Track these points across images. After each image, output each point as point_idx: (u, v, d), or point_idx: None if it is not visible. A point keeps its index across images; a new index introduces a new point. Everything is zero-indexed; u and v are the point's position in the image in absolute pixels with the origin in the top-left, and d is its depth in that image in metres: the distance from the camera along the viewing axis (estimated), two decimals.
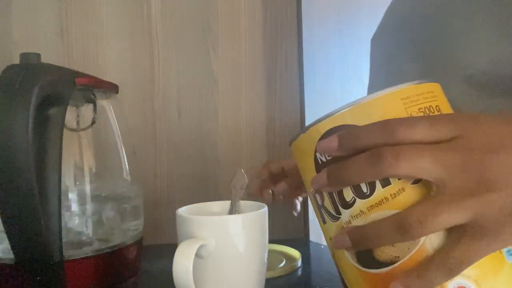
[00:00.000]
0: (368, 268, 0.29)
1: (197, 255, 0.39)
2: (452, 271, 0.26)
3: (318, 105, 0.82)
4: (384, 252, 0.28)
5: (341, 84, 0.85)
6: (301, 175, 0.34)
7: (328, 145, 0.29)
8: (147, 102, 0.79)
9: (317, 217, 0.33)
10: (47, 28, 0.77)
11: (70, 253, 0.46)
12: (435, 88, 0.32)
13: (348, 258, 0.30)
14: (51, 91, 0.43)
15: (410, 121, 0.28)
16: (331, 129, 0.30)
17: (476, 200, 0.25)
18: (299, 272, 0.60)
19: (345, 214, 0.29)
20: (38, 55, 0.44)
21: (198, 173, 0.80)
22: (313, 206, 0.33)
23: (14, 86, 0.39)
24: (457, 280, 0.26)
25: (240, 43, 0.81)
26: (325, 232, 0.33)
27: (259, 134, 0.81)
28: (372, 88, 0.60)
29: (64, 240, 0.44)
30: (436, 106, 0.30)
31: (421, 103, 0.30)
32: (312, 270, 0.62)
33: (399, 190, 0.27)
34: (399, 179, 0.27)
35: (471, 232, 0.26)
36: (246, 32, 0.81)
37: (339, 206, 0.30)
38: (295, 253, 0.65)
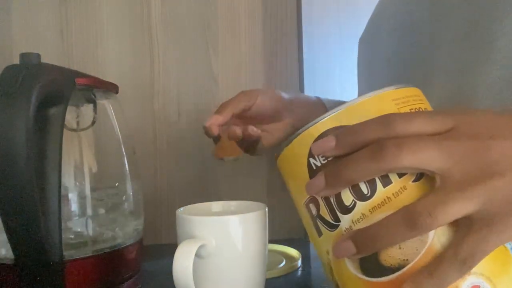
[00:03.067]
0: (375, 277, 0.27)
1: (197, 255, 0.39)
2: (465, 265, 0.25)
3: None
4: (390, 257, 0.26)
5: (341, 84, 0.85)
6: (291, 188, 0.32)
7: (325, 144, 0.28)
8: (147, 102, 0.79)
9: (310, 232, 0.31)
10: (47, 28, 0.77)
11: (70, 253, 0.46)
12: (419, 92, 0.32)
13: (350, 270, 0.28)
14: (51, 91, 0.43)
15: (408, 114, 0.27)
16: (326, 131, 0.29)
17: (483, 187, 0.25)
18: (299, 272, 0.60)
19: (345, 220, 0.28)
20: (38, 55, 0.44)
21: (198, 173, 0.80)
22: (305, 221, 0.31)
23: (14, 86, 0.39)
24: (471, 279, 0.25)
25: (240, 43, 0.81)
26: (320, 246, 0.31)
27: None
28: (366, 89, 0.60)
29: (64, 240, 0.44)
30: (425, 108, 0.31)
31: (412, 104, 0.30)
32: (312, 270, 0.62)
33: (401, 188, 0.27)
34: (400, 177, 0.27)
35: (480, 222, 0.25)
36: (246, 32, 0.81)
37: (338, 212, 0.28)
38: (295, 253, 0.65)
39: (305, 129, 0.30)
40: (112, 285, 0.50)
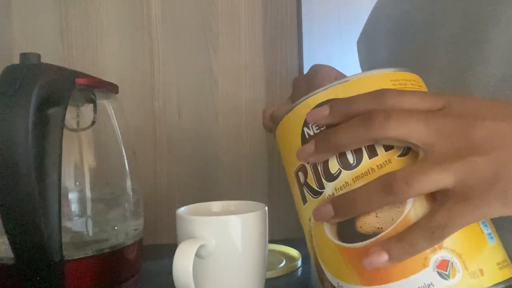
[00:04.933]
0: (349, 242, 0.28)
1: (197, 255, 0.39)
2: (435, 234, 0.25)
3: None
4: (366, 224, 0.27)
5: None
6: (284, 159, 0.33)
7: (319, 113, 0.29)
8: (147, 102, 0.79)
9: (296, 201, 0.32)
10: (47, 28, 0.77)
11: (70, 253, 0.46)
12: (419, 79, 0.32)
13: (327, 235, 0.29)
14: (51, 91, 0.43)
15: (401, 90, 0.28)
16: (321, 102, 0.30)
17: (462, 162, 0.25)
18: (299, 272, 0.60)
19: (329, 187, 0.29)
20: (38, 55, 0.44)
21: (198, 173, 0.80)
22: (294, 190, 0.33)
23: (14, 86, 0.39)
24: (441, 253, 0.26)
25: (240, 43, 0.81)
26: (304, 214, 0.32)
27: (259, 134, 0.81)
28: None
29: (64, 240, 0.44)
30: None
31: (409, 87, 0.30)
32: (312, 270, 0.62)
33: (386, 161, 0.27)
34: (386, 151, 0.27)
35: (455, 196, 0.25)
36: (246, 32, 0.81)
37: (323, 180, 0.29)
38: (295, 253, 0.65)
39: (303, 100, 0.31)
40: (112, 285, 0.50)
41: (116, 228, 0.55)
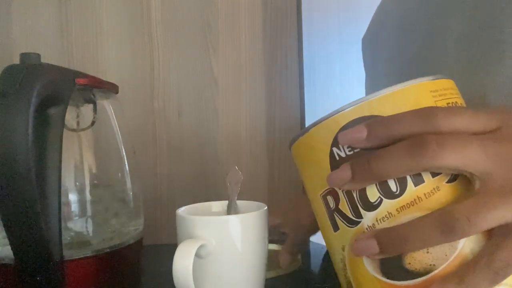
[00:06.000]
0: (396, 280, 0.25)
1: (197, 255, 0.39)
2: (498, 275, 0.23)
3: (318, 105, 0.82)
4: (416, 260, 0.24)
5: (341, 84, 0.85)
6: (307, 178, 0.30)
7: (355, 134, 0.25)
8: (147, 102, 0.79)
9: (323, 225, 0.29)
10: (47, 28, 0.77)
11: (70, 253, 0.46)
12: (454, 85, 0.30)
13: (368, 270, 0.26)
14: (51, 91, 0.43)
15: (451, 109, 0.25)
16: (354, 119, 0.26)
17: None
18: (299, 272, 0.60)
19: (368, 217, 0.26)
20: (38, 55, 0.44)
21: (198, 173, 0.80)
22: (319, 213, 0.29)
23: (14, 86, 0.39)
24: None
25: (240, 43, 0.81)
26: (334, 241, 0.28)
27: (259, 134, 0.81)
28: (371, 88, 0.60)
29: (64, 240, 0.44)
30: (461, 103, 0.28)
31: (449, 98, 0.27)
32: (312, 270, 0.62)
33: (434, 189, 0.25)
34: (433, 177, 0.25)
35: None
36: (246, 32, 0.81)
37: (360, 208, 0.26)
38: None
39: (331, 116, 0.27)
40: (112, 285, 0.50)
41: (116, 228, 0.55)
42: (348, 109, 0.27)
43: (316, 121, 0.28)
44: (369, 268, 0.26)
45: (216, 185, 0.80)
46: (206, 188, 0.80)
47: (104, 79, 0.55)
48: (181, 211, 0.46)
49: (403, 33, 0.49)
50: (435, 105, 0.26)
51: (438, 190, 0.25)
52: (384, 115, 0.26)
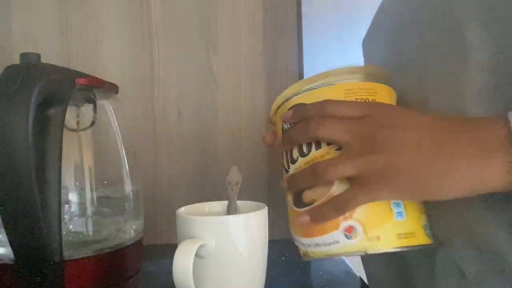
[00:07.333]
0: (297, 207, 0.39)
1: (197, 255, 0.39)
2: (339, 207, 0.35)
3: None
4: (307, 196, 0.38)
5: None
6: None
7: (287, 115, 0.40)
8: (147, 102, 0.79)
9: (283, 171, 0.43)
10: (47, 28, 0.77)
11: (70, 253, 0.46)
12: (380, 88, 0.40)
13: (290, 202, 0.40)
14: (51, 91, 0.43)
15: (338, 101, 0.37)
16: (293, 105, 0.40)
17: (362, 159, 0.34)
18: (299, 272, 0.60)
19: (291, 168, 0.40)
20: (38, 55, 0.44)
21: (198, 173, 0.80)
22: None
23: (14, 86, 0.39)
24: (350, 221, 0.35)
25: (240, 43, 0.81)
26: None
27: (259, 134, 0.81)
28: None
29: (64, 240, 0.44)
30: (373, 99, 0.39)
31: (360, 95, 0.38)
32: (312, 270, 0.63)
33: (326, 153, 0.37)
34: (327, 145, 0.37)
35: (356, 182, 0.35)
36: (246, 32, 0.81)
37: (289, 163, 0.40)
38: None
39: (286, 101, 0.41)
40: (112, 285, 0.50)
41: (116, 228, 0.55)
42: (292, 98, 0.41)
43: (280, 104, 0.42)
44: (290, 201, 0.40)
45: (216, 185, 0.80)
46: (206, 188, 0.80)
47: (104, 79, 0.55)
48: (181, 211, 0.46)
49: (394, 38, 0.49)
50: (343, 99, 0.38)
51: (328, 154, 0.37)
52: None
